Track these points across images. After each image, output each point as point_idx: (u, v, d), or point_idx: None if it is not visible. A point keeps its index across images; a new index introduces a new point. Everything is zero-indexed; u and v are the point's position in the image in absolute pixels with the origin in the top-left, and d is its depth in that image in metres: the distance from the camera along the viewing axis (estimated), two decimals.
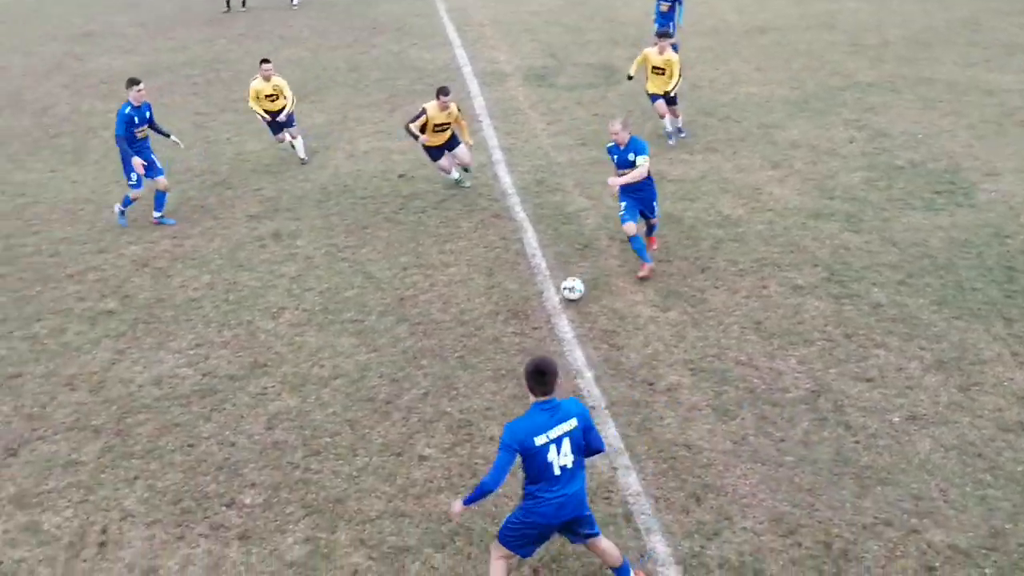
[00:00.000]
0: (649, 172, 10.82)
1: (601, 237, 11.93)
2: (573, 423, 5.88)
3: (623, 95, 18.14)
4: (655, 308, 10.27)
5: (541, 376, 5.84)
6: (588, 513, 6.19)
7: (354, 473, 7.77)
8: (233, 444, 8.14)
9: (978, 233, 11.78)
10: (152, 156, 12.16)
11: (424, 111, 12.81)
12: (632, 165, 10.68)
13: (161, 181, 12.16)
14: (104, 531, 7.14)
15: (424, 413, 8.54)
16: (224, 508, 7.39)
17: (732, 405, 8.58)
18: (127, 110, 11.87)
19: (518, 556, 6.23)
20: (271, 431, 8.31)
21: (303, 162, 14.94)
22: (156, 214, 12.35)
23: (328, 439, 8.20)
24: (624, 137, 10.69)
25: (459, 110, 13.12)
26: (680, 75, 14.68)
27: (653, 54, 14.64)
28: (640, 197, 10.93)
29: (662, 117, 15.28)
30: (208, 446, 8.12)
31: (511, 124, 16.63)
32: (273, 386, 8.96)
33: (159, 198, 12.37)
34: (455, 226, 12.46)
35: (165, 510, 7.35)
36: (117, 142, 11.92)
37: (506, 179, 14.01)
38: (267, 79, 14.48)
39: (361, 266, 11.35)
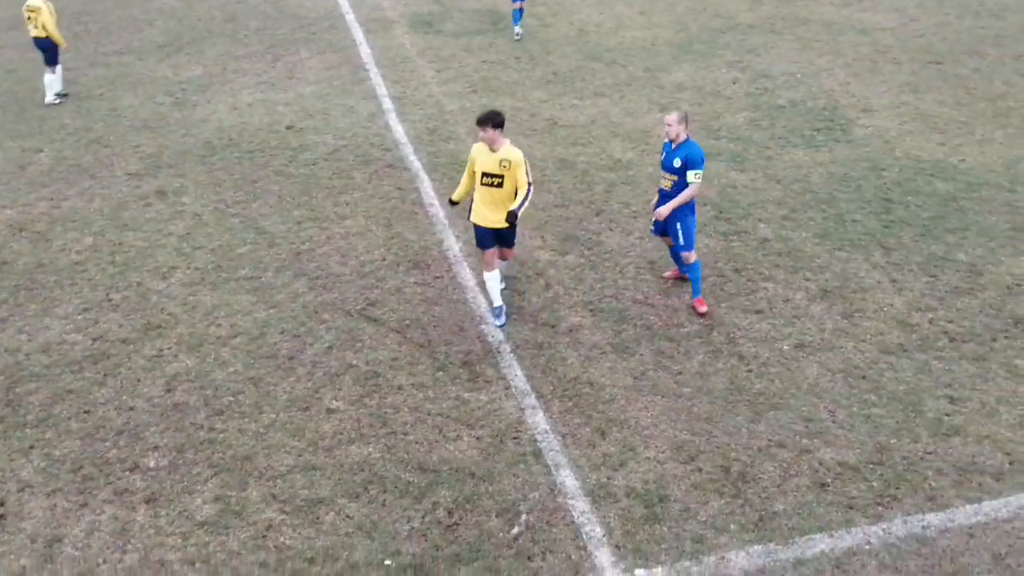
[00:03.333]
0: (694, 189, 8.84)
1: None
2: None
3: (511, 42, 18.09)
4: (553, 252, 10.41)
5: None
6: None
7: (261, 430, 7.67)
8: (132, 408, 7.91)
9: (856, 167, 12.35)
10: None
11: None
12: (677, 173, 8.88)
13: None
14: (1, 504, 6.87)
15: (329, 367, 8.48)
16: (127, 473, 7.20)
17: (631, 342, 8.82)
18: None
19: None
20: (171, 393, 8.11)
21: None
22: None
23: (231, 398, 8.06)
24: (676, 133, 8.82)
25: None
26: (530, 186, 8.61)
27: (482, 151, 8.61)
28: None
29: (491, 267, 8.92)
30: (105, 411, 7.87)
31: (399, 72, 16.40)
32: (169, 348, 8.73)
33: None
34: (348, 177, 12.28)
35: (65, 478, 7.11)
36: None
37: (398, 129, 13.85)
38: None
39: (253, 222, 11.08)
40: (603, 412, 7.90)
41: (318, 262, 10.20)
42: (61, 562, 6.39)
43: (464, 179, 9.00)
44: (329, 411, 7.91)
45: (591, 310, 9.33)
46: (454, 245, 10.49)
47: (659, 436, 7.60)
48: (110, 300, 9.46)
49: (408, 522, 6.75)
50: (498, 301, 9.10)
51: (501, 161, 8.51)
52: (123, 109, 14.67)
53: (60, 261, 10.18)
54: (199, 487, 7.07)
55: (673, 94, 15.17)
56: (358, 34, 18.63)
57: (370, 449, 7.47)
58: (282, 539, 6.59)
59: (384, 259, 10.27)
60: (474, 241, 9.18)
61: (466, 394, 8.13)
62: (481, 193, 8.71)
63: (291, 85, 15.76)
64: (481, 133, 8.49)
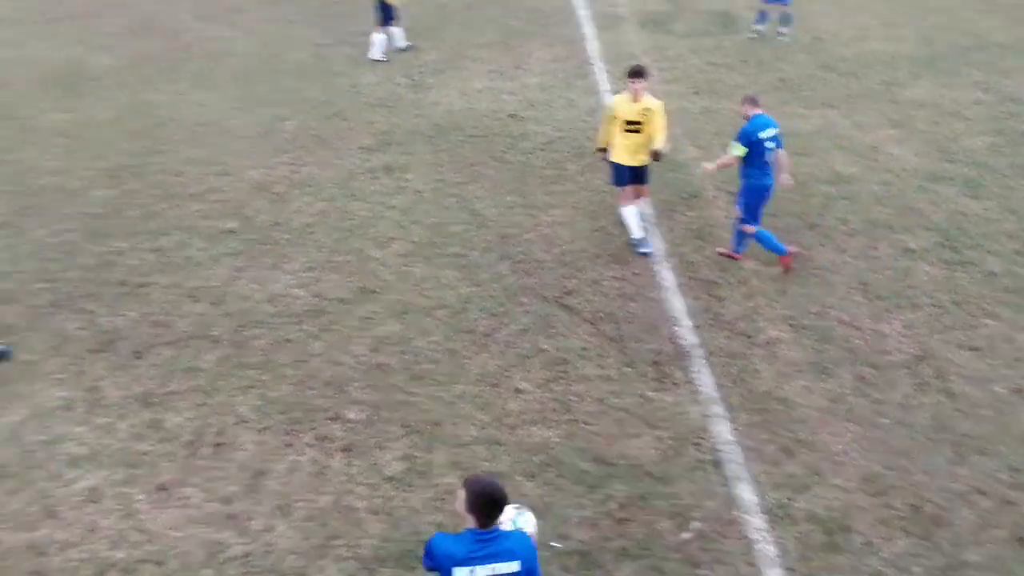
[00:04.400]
0: (725, 158, 9.71)
1: (708, 187, 11.82)
2: (514, 567, 4.59)
3: (740, 45, 17.75)
4: (758, 262, 10.18)
5: (494, 506, 4.59)
6: None
7: (451, 399, 8.06)
8: (340, 363, 8.53)
9: None
10: None
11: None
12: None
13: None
14: (220, 433, 7.63)
15: (521, 348, 8.76)
16: (329, 421, 7.79)
17: (831, 364, 8.51)
18: None
19: None
20: (375, 353, 8.67)
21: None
22: None
23: (429, 365, 8.50)
24: (744, 113, 9.74)
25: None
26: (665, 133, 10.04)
27: (622, 102, 10.08)
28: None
29: (625, 203, 10.42)
30: (317, 363, 8.53)
31: (624, 69, 16.44)
32: (379, 311, 9.30)
33: None
34: (562, 168, 12.53)
35: (276, 418, 7.80)
36: None
37: None
38: None
39: (468, 203, 11.56)
40: (792, 431, 7.70)
41: (523, 247, 10.52)
42: (264, 494, 7.02)
43: (605, 128, 10.28)
44: (517, 391, 8.18)
45: (792, 325, 9.08)
46: (657, 243, 10.49)
47: (849, 464, 7.32)
48: (332, 262, 10.20)
49: (580, 509, 6.89)
50: (639, 233, 10.41)
51: (643, 110, 9.88)
52: (363, 86, 15.65)
53: (293, 222, 11.06)
54: (390, 444, 7.53)
55: (908, 111, 14.35)
56: (588, 29, 18.87)
57: (551, 433, 7.66)
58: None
59: (586, 250, 10.44)
60: (613, 180, 10.51)
61: (651, 393, 8.16)
62: (622, 139, 10.04)
63: (518, 75, 16.23)
64: (636, 84, 9.83)
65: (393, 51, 17.11)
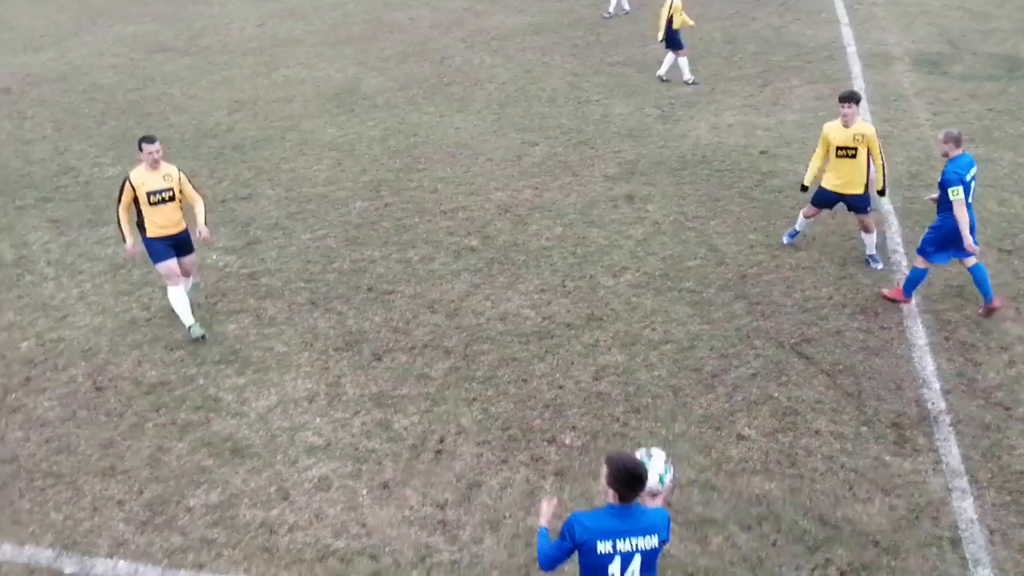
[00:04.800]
0: (957, 207, 8.87)
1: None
2: (653, 542, 4.79)
3: None
4: None
5: (635, 481, 4.72)
6: None
7: (670, 437, 7.88)
8: (561, 387, 8.59)
9: None
10: None
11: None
12: (940, 187, 9.07)
13: None
14: (441, 440, 7.92)
15: (749, 393, 8.42)
16: (545, 443, 7.86)
17: None
18: None
19: None
20: (597, 382, 8.66)
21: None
22: None
23: (649, 400, 8.38)
24: (943, 150, 9.05)
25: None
26: (884, 160, 10.09)
27: (835, 128, 10.05)
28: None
29: (808, 216, 10.75)
30: (539, 384, 8.65)
31: (891, 111, 15.52)
32: (605, 340, 9.30)
33: None
34: None
35: (494, 433, 7.98)
36: None
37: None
38: None
39: (707, 238, 11.32)
40: None
41: (762, 288, 10.13)
42: (476, 505, 7.19)
43: (815, 163, 10.35)
44: (740, 437, 7.86)
45: None
46: (911, 298, 9.74)
47: None
48: (564, 286, 10.33)
49: (796, 570, 6.51)
50: (799, 226, 10.89)
51: (855, 135, 9.84)
52: (613, 116, 15.80)
53: (531, 244, 11.33)
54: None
55: None
56: (855, 67, 17.97)
57: (773, 485, 7.29)
58: (669, 547, 6.71)
59: (831, 298, 9.88)
60: (812, 199, 10.54)
61: (888, 457, 7.56)
62: (835, 163, 10.04)
63: (775, 111, 15.74)
64: (846, 109, 9.78)
65: (655, 78, 17.28)
